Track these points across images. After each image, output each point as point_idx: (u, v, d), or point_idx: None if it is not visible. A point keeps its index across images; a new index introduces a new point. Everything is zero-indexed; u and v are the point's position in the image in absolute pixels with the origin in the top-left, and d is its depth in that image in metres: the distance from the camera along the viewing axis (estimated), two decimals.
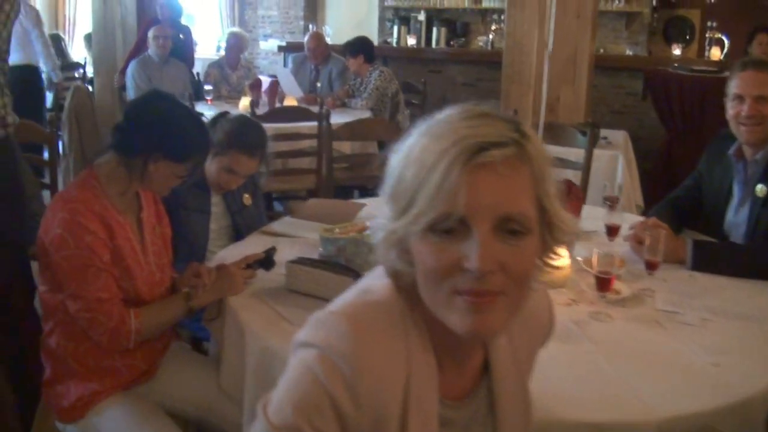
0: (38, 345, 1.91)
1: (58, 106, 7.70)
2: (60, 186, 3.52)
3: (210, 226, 2.45)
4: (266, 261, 1.93)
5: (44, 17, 9.79)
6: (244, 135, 2.37)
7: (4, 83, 2.00)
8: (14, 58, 6.12)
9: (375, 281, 1.00)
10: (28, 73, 6.24)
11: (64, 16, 10.12)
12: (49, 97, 7.80)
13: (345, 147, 4.42)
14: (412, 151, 0.90)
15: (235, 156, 2.33)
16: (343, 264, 1.89)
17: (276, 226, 2.42)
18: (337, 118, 4.11)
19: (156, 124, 1.80)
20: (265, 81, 5.44)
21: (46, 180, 3.50)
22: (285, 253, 2.01)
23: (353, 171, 4.47)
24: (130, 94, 5.62)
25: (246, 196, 2.52)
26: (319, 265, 1.84)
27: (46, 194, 3.56)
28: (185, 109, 1.89)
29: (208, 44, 9.61)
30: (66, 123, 4.81)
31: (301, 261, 1.87)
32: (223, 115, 2.44)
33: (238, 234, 2.48)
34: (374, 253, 0.97)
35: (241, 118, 2.46)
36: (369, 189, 4.46)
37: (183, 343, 2.15)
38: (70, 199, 1.77)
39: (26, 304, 2.25)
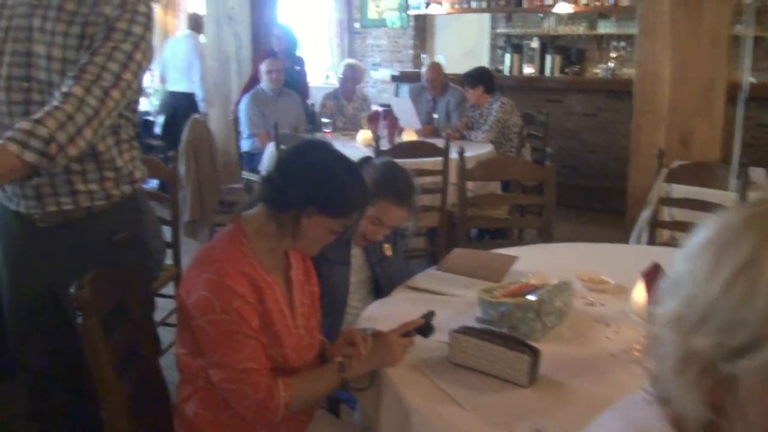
0: (164, 407, 1.76)
1: (168, 133, 7.87)
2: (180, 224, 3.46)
3: (350, 279, 2.27)
4: (425, 327, 1.73)
5: (157, 49, 10.13)
6: (393, 183, 2.18)
7: (133, 136, 1.90)
8: (179, 87, 7.09)
9: (650, 420, 0.73)
10: (190, 100, 6.99)
11: None
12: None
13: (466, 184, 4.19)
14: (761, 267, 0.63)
15: (382, 206, 2.14)
16: (516, 337, 1.65)
17: (422, 280, 2.21)
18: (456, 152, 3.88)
19: (311, 175, 1.64)
20: (375, 109, 5.31)
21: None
22: (439, 314, 1.80)
23: (477, 210, 4.23)
24: (243, 127, 5.60)
25: (387, 246, 2.33)
26: (488, 338, 1.61)
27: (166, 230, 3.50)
28: (344, 160, 1.72)
29: (318, 73, 9.63)
30: (183, 155, 4.80)
31: (467, 331, 1.65)
32: (366, 161, 2.26)
33: (378, 287, 2.29)
34: (542, 319, 0.74)
35: (389, 164, 2.27)
36: (491, 231, 4.18)
37: (326, 412, 1.96)
38: (216, 258, 1.62)
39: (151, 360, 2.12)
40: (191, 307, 1.59)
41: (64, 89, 1.60)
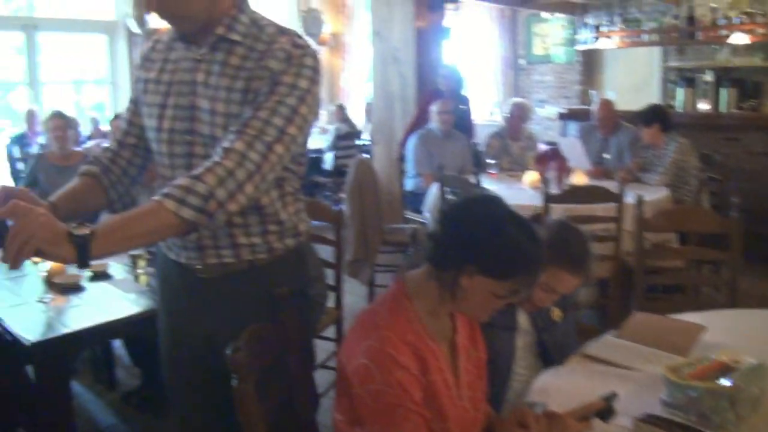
0: None
1: (336, 170, 8.06)
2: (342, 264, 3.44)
3: (516, 344, 2.11)
4: (606, 411, 1.56)
5: (324, 89, 10.46)
6: (567, 247, 1.99)
7: (298, 188, 1.85)
8: None
9: None
10: None
11: (340, 87, 10.68)
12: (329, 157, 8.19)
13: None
14: None
15: (555, 272, 1.95)
16: None
17: (600, 349, 2.03)
18: (631, 196, 3.63)
19: (473, 231, 1.52)
20: (543, 148, 5.12)
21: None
22: (618, 390, 1.62)
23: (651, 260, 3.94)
24: (408, 166, 5.60)
25: (556, 311, 2.15)
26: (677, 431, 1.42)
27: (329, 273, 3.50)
28: (513, 217, 1.57)
29: (482, 110, 9.56)
30: (349, 195, 4.84)
31: (654, 421, 1.47)
32: (537, 220, 2.10)
33: (545, 352, 2.13)
34: (736, 409, 0.58)
35: (562, 226, 2.07)
36: (666, 287, 3.84)
37: None
38: (378, 324, 1.54)
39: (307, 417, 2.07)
40: (351, 375, 1.52)
41: (226, 144, 1.57)
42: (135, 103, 1.87)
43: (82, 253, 1.33)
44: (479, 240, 1.51)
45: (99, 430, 3.42)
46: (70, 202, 1.74)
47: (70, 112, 5.18)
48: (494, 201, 1.61)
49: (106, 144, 6.77)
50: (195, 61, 1.70)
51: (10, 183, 6.12)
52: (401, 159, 5.82)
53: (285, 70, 1.62)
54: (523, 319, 2.12)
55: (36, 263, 2.76)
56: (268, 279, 1.80)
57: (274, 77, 1.62)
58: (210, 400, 1.85)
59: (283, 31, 1.69)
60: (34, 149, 6.65)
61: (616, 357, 1.96)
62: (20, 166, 6.78)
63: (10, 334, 2.36)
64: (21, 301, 2.68)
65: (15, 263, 1.29)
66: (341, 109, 8.96)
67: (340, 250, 3.44)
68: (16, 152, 6.88)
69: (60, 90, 8.75)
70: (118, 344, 3.87)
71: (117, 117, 6.33)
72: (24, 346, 2.27)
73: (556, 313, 2.14)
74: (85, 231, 1.33)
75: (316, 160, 8.52)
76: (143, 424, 3.46)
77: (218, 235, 1.72)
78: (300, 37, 1.70)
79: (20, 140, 7.06)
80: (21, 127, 7.41)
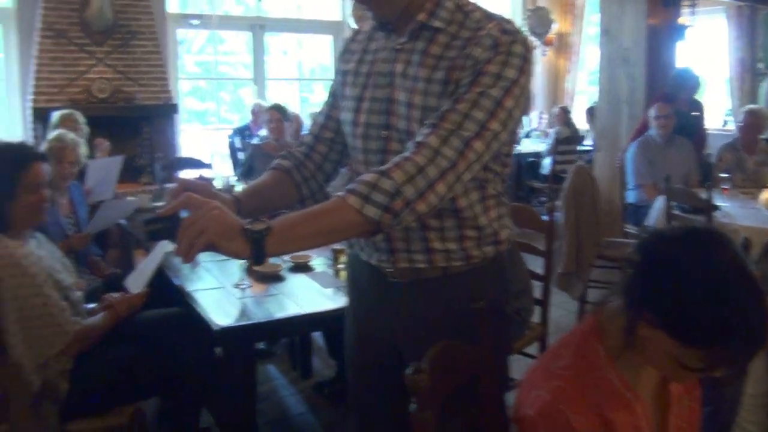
0: None
1: (554, 175, 7.78)
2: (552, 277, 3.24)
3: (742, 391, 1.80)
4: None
5: (544, 92, 10.17)
6: None
7: (501, 192, 1.67)
8: None
9: None
10: None
11: (564, 89, 10.32)
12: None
13: None
14: None
15: None
16: None
17: None
18: None
19: (669, 271, 1.20)
20: None
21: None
22: None
23: None
24: (628, 178, 5.23)
25: None
26: None
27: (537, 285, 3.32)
28: (737, 269, 1.19)
29: (715, 118, 8.78)
30: (564, 203, 4.60)
31: None
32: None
33: None
34: None
35: None
36: None
37: None
38: (555, 373, 1.30)
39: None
40: (516, 418, 1.31)
41: (419, 138, 1.42)
42: (334, 96, 1.80)
43: (257, 249, 1.25)
44: (671, 285, 1.18)
45: (288, 417, 3.48)
46: (256, 197, 1.69)
47: (293, 109, 5.41)
48: (716, 241, 1.23)
49: None
50: (394, 50, 1.59)
51: (229, 171, 6.58)
52: (623, 168, 5.45)
53: (491, 58, 1.45)
54: (758, 363, 1.80)
55: None
56: (463, 289, 1.64)
57: (478, 66, 1.45)
58: (390, 407, 1.76)
59: (490, 16, 1.53)
60: (255, 141, 7.08)
61: None
62: (241, 156, 7.24)
63: (203, 317, 2.43)
64: (219, 284, 2.76)
65: (187, 256, 1.24)
66: (564, 111, 8.64)
67: (550, 261, 3.24)
68: (237, 143, 7.35)
69: (284, 87, 9.25)
70: (317, 333, 3.92)
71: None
72: (213, 330, 2.32)
73: None
74: (260, 226, 1.25)
75: (533, 164, 8.29)
76: (331, 416, 3.49)
77: (411, 238, 1.60)
78: (509, 22, 1.52)
79: (242, 132, 7.54)
80: (247, 121, 7.93)
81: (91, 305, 2.69)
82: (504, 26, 1.48)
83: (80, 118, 4.68)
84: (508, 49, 1.45)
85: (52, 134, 3.82)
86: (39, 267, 2.37)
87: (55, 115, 4.67)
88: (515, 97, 1.46)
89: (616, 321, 1.29)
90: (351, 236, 1.57)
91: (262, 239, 1.25)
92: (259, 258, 1.26)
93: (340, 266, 2.88)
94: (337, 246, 2.88)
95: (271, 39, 8.83)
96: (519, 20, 9.82)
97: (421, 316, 1.66)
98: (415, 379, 1.31)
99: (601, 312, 1.36)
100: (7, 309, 2.24)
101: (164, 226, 1.34)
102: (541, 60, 10.01)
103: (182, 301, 2.73)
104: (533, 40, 9.84)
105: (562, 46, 10.27)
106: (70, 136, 3.78)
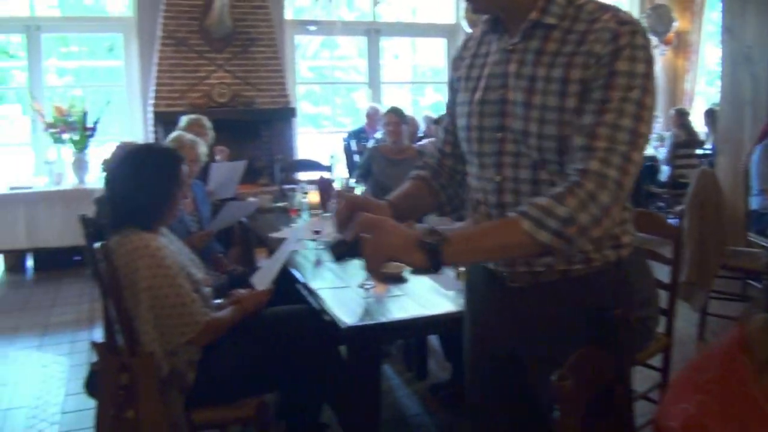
0: None
1: (672, 181, 7.53)
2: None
3: None
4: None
5: (665, 92, 9.84)
6: None
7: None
8: None
9: None
10: None
11: (684, 90, 9.95)
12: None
13: None
14: None
15: None
16: None
17: None
18: None
19: None
20: None
21: None
22: None
23: None
24: (753, 182, 4.98)
25: None
26: None
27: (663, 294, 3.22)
28: None
29: None
30: (687, 210, 4.43)
31: None
32: None
33: None
34: None
35: None
36: None
37: None
38: (698, 385, 1.24)
39: None
40: (658, 431, 1.27)
41: (578, 165, 1.41)
42: (450, 106, 1.82)
43: (434, 259, 1.35)
44: None
45: (402, 418, 3.50)
46: (405, 202, 1.76)
47: (407, 112, 5.47)
48: None
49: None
50: (506, 51, 1.58)
51: (345, 173, 6.75)
52: (747, 173, 5.21)
53: (616, 54, 1.42)
54: None
55: None
56: (583, 294, 1.61)
57: (603, 63, 1.43)
58: (506, 412, 1.77)
59: (604, 7, 1.49)
60: (370, 143, 7.18)
61: None
62: (356, 158, 7.35)
63: (329, 314, 2.49)
64: (344, 284, 2.83)
65: (378, 275, 1.39)
66: (681, 114, 8.33)
67: (677, 270, 3.13)
68: (353, 145, 7.47)
69: (399, 90, 9.34)
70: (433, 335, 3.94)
71: (436, 121, 6.58)
72: (339, 328, 2.38)
73: None
74: (436, 238, 1.35)
75: (650, 168, 8.04)
76: (447, 419, 3.49)
77: None
78: (624, 12, 1.49)
79: (358, 135, 7.68)
80: (360, 124, 8.06)
81: (218, 300, 2.80)
82: (620, 16, 1.46)
83: (207, 123, 4.87)
84: (629, 41, 1.42)
85: (171, 136, 4.03)
86: (172, 259, 2.51)
87: (183, 120, 4.88)
88: (651, 92, 1.44)
89: (761, 334, 1.23)
90: (519, 255, 1.57)
91: (438, 250, 1.36)
92: (437, 267, 1.36)
93: (462, 269, 2.89)
94: None
95: (385, 43, 8.94)
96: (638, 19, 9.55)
97: (540, 320, 1.64)
98: (560, 385, 1.30)
99: (746, 325, 1.28)
100: (142, 297, 2.39)
101: (348, 248, 1.48)
102: (660, 60, 9.68)
103: (304, 299, 2.83)
104: (653, 39, 9.54)
105: (681, 45, 9.90)
106: (188, 136, 3.96)
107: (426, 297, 2.67)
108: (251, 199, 4.81)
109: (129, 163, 2.65)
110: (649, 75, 1.44)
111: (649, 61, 1.44)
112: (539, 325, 1.64)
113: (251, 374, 2.59)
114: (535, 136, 1.51)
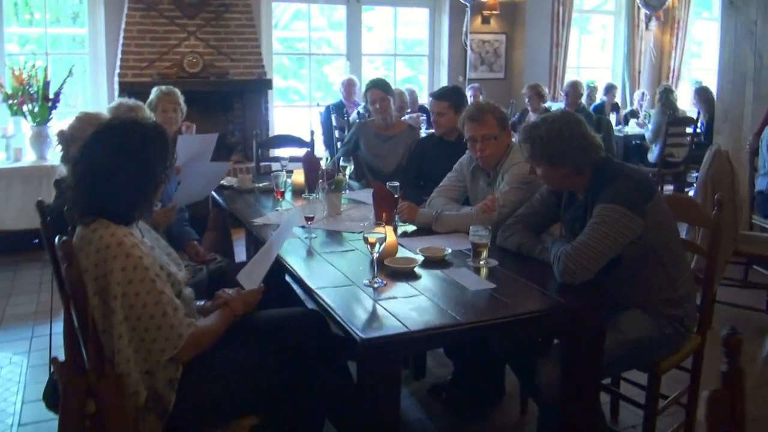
0: None
1: (662, 160, 7.27)
2: None
3: None
4: None
5: (649, 70, 9.60)
6: None
7: None
8: None
9: None
10: None
11: (668, 68, 9.75)
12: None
13: None
14: None
15: None
16: None
17: None
18: None
19: None
20: None
21: None
22: None
23: None
24: (762, 162, 4.73)
25: None
26: None
27: None
28: None
29: None
30: (700, 194, 4.15)
31: None
32: None
33: None
34: None
35: None
36: None
37: None
38: None
39: None
40: None
41: None
42: None
43: None
44: None
45: (404, 422, 3.09)
46: None
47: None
48: None
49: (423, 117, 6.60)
50: None
51: (323, 149, 6.31)
52: (755, 153, 4.94)
53: None
54: None
55: (372, 244, 2.44)
56: None
57: None
58: None
59: None
60: (353, 117, 6.83)
61: None
62: (336, 133, 7.02)
63: (338, 322, 2.10)
64: (347, 281, 2.44)
65: None
66: (668, 92, 8.03)
67: (713, 264, 2.76)
68: (334, 120, 7.13)
69: (378, 62, 8.97)
70: None
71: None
72: (352, 339, 1.99)
73: None
74: None
75: (640, 147, 7.78)
76: (451, 423, 3.17)
77: None
78: None
79: (339, 109, 7.31)
80: (335, 98, 7.71)
81: (201, 302, 2.41)
82: None
83: (180, 97, 4.39)
84: None
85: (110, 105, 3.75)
86: (150, 259, 2.08)
87: (154, 93, 4.40)
88: None
89: None
90: None
91: None
92: None
93: (482, 262, 2.54)
94: (477, 239, 2.53)
95: (366, 13, 8.58)
96: None
97: None
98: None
99: None
100: (114, 306, 1.96)
101: None
102: (645, 35, 9.43)
103: (298, 299, 2.44)
104: (644, 12, 9.29)
105: (668, 21, 9.64)
106: (129, 103, 3.61)
107: (447, 296, 2.29)
108: (218, 163, 4.19)
109: (106, 141, 2.13)
110: None
111: None
112: None
113: (241, 391, 2.19)
114: None
